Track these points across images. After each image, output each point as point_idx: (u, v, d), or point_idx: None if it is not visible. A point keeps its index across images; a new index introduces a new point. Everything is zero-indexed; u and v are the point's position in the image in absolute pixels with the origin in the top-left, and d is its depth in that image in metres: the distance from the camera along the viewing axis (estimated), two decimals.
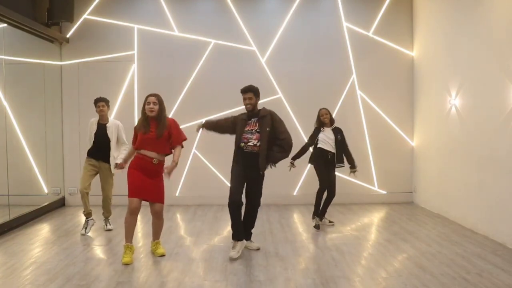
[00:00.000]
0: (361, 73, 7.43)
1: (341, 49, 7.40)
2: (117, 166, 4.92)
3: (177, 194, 7.29)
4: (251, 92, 4.68)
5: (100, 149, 5.51)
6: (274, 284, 3.78)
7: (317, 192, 5.74)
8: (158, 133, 4.38)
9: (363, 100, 7.43)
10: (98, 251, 4.80)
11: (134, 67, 7.36)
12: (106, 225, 5.75)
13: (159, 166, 4.48)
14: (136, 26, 7.35)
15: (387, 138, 7.38)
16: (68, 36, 7.32)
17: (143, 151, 4.43)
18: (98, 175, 5.64)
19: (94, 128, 5.55)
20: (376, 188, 7.43)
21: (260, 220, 6.24)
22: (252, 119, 4.71)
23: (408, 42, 7.44)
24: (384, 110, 7.40)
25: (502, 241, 4.91)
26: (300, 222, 6.09)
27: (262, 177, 4.74)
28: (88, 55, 7.34)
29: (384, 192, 7.21)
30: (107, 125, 5.56)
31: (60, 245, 5.01)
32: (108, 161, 5.54)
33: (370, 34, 7.41)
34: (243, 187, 4.71)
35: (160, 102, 4.45)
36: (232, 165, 4.76)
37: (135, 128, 4.55)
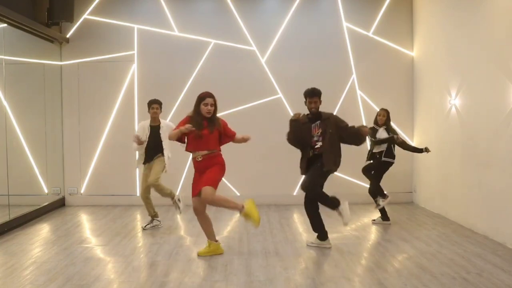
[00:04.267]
0: (361, 73, 7.43)
1: (341, 49, 7.40)
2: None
3: (177, 194, 7.27)
4: (316, 96, 4.81)
5: (153, 150, 5.56)
6: (274, 284, 3.78)
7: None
8: (210, 129, 4.43)
9: (363, 100, 7.43)
10: (98, 251, 4.80)
11: (134, 67, 7.36)
12: (146, 225, 5.72)
13: (207, 161, 4.47)
14: (136, 26, 7.35)
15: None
16: (68, 36, 7.33)
17: (192, 153, 4.51)
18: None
19: (147, 132, 5.59)
20: None
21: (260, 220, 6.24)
22: (315, 123, 4.81)
23: (408, 42, 7.44)
24: None
25: (502, 241, 4.91)
26: (300, 222, 6.08)
27: (320, 168, 4.76)
28: (88, 55, 7.34)
29: (384, 192, 7.20)
30: (161, 125, 5.61)
31: (60, 245, 5.00)
32: (161, 152, 5.59)
33: (370, 34, 7.41)
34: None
35: (215, 103, 4.54)
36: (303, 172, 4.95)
37: (188, 121, 4.47)
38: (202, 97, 4.52)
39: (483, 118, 5.34)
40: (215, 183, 4.44)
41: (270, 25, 7.38)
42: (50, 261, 4.42)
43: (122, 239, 5.26)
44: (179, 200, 5.72)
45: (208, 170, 4.46)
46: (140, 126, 5.73)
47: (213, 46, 7.35)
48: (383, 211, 5.96)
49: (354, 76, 7.42)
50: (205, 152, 4.46)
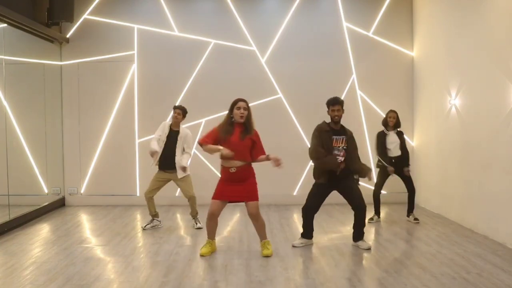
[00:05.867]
0: (361, 73, 7.43)
1: (341, 49, 7.40)
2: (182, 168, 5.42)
3: (177, 194, 7.28)
4: (339, 105, 4.78)
5: (168, 155, 5.53)
6: (274, 284, 3.78)
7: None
8: (241, 136, 4.39)
9: (363, 100, 7.43)
10: (98, 251, 4.80)
11: (134, 67, 7.36)
12: (196, 223, 5.77)
13: (241, 173, 4.43)
14: (136, 26, 7.35)
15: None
16: (68, 36, 7.33)
17: (224, 163, 4.44)
18: (168, 182, 5.75)
19: (167, 131, 5.59)
20: None
21: None
22: (340, 136, 4.78)
23: (408, 42, 7.44)
24: (384, 110, 7.37)
25: (502, 241, 4.91)
26: (300, 222, 6.06)
27: (357, 181, 4.85)
28: (88, 55, 7.34)
29: (384, 192, 7.19)
30: (179, 130, 5.61)
31: (60, 245, 5.01)
32: (171, 167, 5.60)
33: (370, 34, 7.41)
34: (323, 199, 4.91)
35: (248, 107, 4.49)
36: (315, 183, 4.89)
37: (217, 131, 4.47)
38: (235, 102, 4.50)
39: (483, 118, 5.34)
40: (258, 198, 4.53)
41: (270, 25, 7.38)
42: (50, 261, 4.42)
43: (122, 239, 5.26)
44: (156, 225, 5.80)
45: (247, 183, 4.47)
46: (162, 125, 5.69)
47: (213, 46, 7.35)
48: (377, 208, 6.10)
49: (354, 76, 7.42)
50: (239, 163, 4.41)
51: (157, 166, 5.64)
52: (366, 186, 7.33)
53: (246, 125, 4.47)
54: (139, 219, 6.34)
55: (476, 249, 4.71)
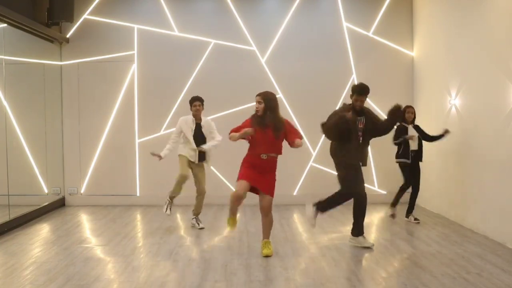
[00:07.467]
0: (361, 73, 7.43)
1: (341, 49, 7.40)
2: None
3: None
4: (365, 96, 4.89)
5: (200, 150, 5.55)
6: (274, 284, 3.78)
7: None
8: (276, 134, 4.45)
9: None
10: (98, 251, 4.80)
11: (134, 67, 7.36)
12: (198, 224, 5.74)
13: (269, 163, 4.52)
14: (136, 26, 7.35)
15: (387, 138, 7.36)
16: (68, 36, 7.33)
17: (256, 150, 4.51)
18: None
19: (193, 126, 5.56)
20: (376, 188, 7.43)
21: (260, 220, 6.23)
22: (360, 117, 4.83)
23: (408, 42, 7.44)
24: (384, 110, 7.37)
25: (502, 241, 4.91)
26: (300, 222, 6.08)
27: (361, 168, 4.90)
28: (88, 55, 7.34)
29: (384, 192, 7.20)
30: (202, 123, 5.61)
31: (60, 245, 5.01)
32: (202, 159, 5.61)
33: (370, 34, 7.41)
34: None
35: (264, 99, 4.51)
36: (348, 165, 4.81)
37: (249, 121, 4.56)
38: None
39: (483, 118, 5.34)
40: (273, 195, 4.59)
41: (270, 25, 7.38)
42: (50, 261, 4.42)
43: (122, 239, 5.26)
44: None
45: (269, 176, 4.54)
46: (182, 121, 5.59)
47: (213, 46, 7.35)
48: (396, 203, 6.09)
49: (354, 76, 7.42)
50: (272, 154, 4.51)
51: (183, 154, 5.57)
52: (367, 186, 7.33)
53: (262, 117, 4.50)
54: (139, 219, 6.34)
55: (476, 249, 4.71)
